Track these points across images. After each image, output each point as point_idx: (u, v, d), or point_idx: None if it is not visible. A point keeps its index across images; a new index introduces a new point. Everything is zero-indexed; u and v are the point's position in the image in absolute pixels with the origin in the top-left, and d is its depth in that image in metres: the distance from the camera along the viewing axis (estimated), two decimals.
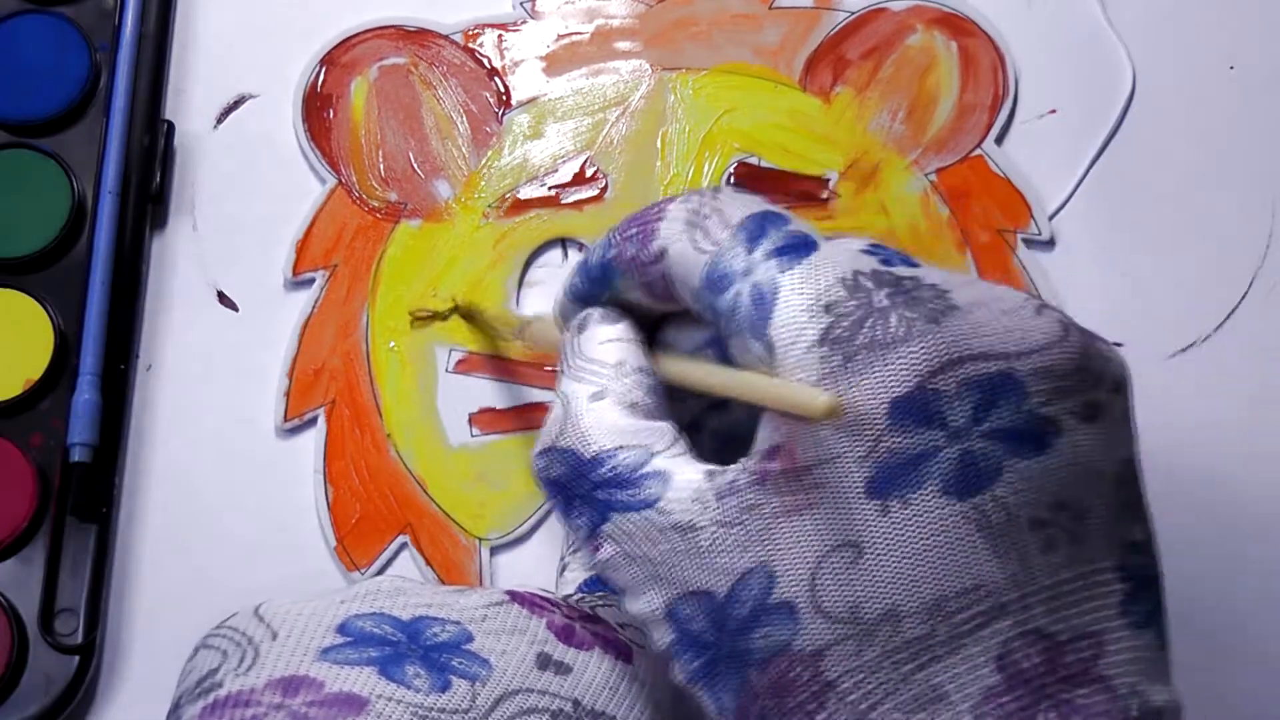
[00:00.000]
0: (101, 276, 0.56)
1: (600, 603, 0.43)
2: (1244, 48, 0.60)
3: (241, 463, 0.56)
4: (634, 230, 0.40)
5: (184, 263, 0.59)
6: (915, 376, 0.33)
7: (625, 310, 0.42)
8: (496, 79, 0.60)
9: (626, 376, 0.39)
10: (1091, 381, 0.35)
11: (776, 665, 0.34)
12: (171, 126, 0.59)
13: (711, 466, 0.36)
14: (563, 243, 0.58)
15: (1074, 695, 0.33)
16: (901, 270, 0.36)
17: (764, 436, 0.35)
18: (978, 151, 0.58)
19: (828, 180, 0.58)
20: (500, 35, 0.60)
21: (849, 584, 0.34)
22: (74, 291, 0.56)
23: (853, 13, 0.60)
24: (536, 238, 0.57)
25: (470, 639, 0.38)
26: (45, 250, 0.57)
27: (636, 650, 0.40)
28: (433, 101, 0.59)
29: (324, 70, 0.60)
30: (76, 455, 0.54)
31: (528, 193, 0.58)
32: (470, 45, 0.60)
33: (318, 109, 0.59)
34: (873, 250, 0.37)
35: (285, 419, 0.55)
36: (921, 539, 0.33)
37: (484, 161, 0.58)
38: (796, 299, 0.35)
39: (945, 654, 0.33)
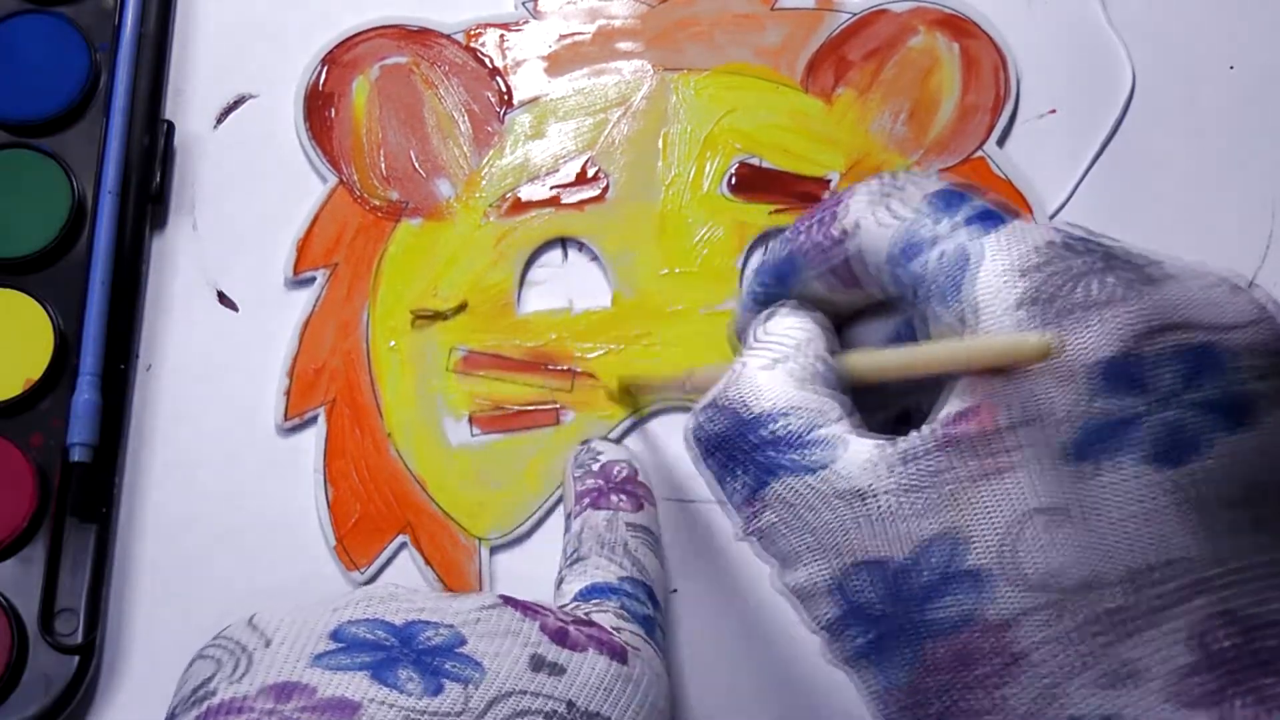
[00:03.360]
0: (101, 276, 0.56)
1: (595, 609, 0.43)
2: (1244, 48, 0.60)
3: (241, 462, 0.56)
4: (816, 217, 0.39)
5: (184, 263, 0.59)
6: (1128, 338, 0.33)
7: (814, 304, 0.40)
8: (498, 78, 0.60)
9: (808, 356, 0.38)
10: None
11: (961, 636, 0.33)
12: (171, 126, 0.59)
13: (886, 438, 0.35)
14: (563, 243, 0.58)
15: (1265, 682, 0.32)
16: (1105, 240, 0.35)
17: (952, 402, 0.34)
18: (979, 153, 0.58)
19: (829, 181, 0.58)
20: (502, 35, 0.60)
21: (1050, 549, 0.32)
22: (74, 291, 0.56)
23: (854, 14, 0.60)
24: (537, 237, 0.57)
25: (463, 642, 0.37)
26: (45, 250, 0.57)
27: (631, 651, 0.40)
28: (434, 101, 0.59)
29: (325, 69, 0.60)
30: (76, 455, 0.54)
31: (529, 192, 0.58)
32: (472, 45, 0.60)
33: (319, 108, 0.59)
34: (1073, 226, 0.36)
35: (285, 418, 0.55)
36: (1125, 505, 0.32)
37: (485, 161, 0.58)
38: (1000, 260, 0.34)
39: (1142, 628, 0.32)
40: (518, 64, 0.60)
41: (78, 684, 0.52)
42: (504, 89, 0.59)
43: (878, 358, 0.38)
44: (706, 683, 0.52)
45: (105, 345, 0.56)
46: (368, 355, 0.56)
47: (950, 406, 0.34)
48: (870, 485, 0.34)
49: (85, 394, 0.55)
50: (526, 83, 0.60)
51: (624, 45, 0.60)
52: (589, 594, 0.45)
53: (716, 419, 0.37)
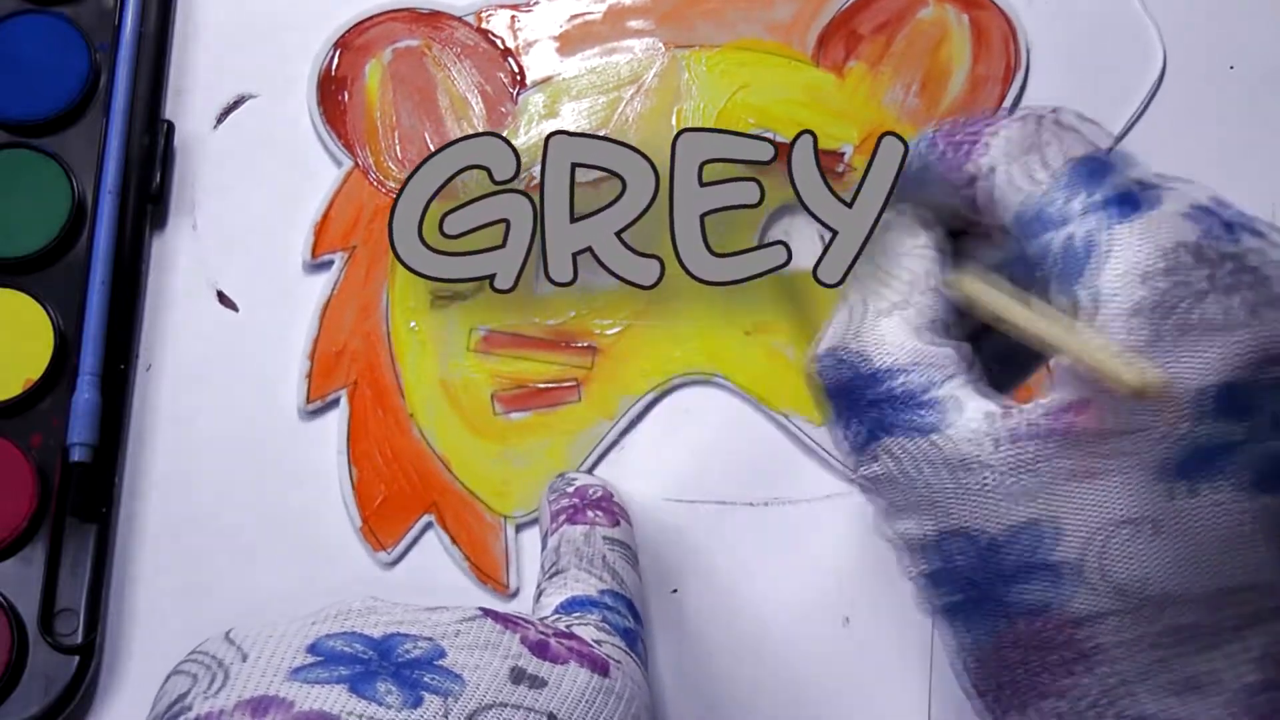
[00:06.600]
0: (101, 276, 0.56)
1: (576, 622, 0.43)
2: (1244, 48, 0.61)
3: (241, 462, 0.55)
4: (957, 138, 0.38)
5: (184, 263, 0.58)
6: (1242, 366, 0.32)
7: (935, 214, 0.40)
8: (510, 59, 0.59)
9: (925, 294, 0.38)
10: None
11: (1039, 622, 0.34)
12: (171, 126, 0.59)
13: (1003, 405, 0.35)
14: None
15: None
16: (1248, 242, 0.34)
17: (1064, 388, 0.34)
18: None
19: (843, 154, 0.58)
20: (513, 15, 0.60)
21: (1135, 559, 0.33)
22: (74, 291, 0.56)
23: None
24: None
25: (443, 655, 0.36)
26: (45, 250, 0.57)
27: (613, 664, 0.39)
28: (447, 83, 0.59)
29: (338, 53, 0.59)
30: (76, 455, 0.54)
31: None
32: (483, 26, 0.60)
33: (332, 92, 0.59)
34: (1214, 209, 0.35)
35: (308, 400, 0.55)
36: (1218, 527, 0.33)
37: None
38: (1125, 258, 0.33)
39: (1216, 644, 0.33)
40: (529, 44, 0.60)
41: (78, 684, 0.52)
42: (516, 69, 0.59)
43: (993, 298, 0.37)
44: (707, 680, 0.51)
45: (105, 345, 0.55)
46: (388, 336, 0.55)
47: (1062, 392, 0.34)
48: (978, 457, 0.35)
49: (85, 394, 0.54)
50: (539, 63, 0.59)
51: (635, 23, 0.60)
52: (569, 607, 0.44)
53: (836, 370, 0.38)
